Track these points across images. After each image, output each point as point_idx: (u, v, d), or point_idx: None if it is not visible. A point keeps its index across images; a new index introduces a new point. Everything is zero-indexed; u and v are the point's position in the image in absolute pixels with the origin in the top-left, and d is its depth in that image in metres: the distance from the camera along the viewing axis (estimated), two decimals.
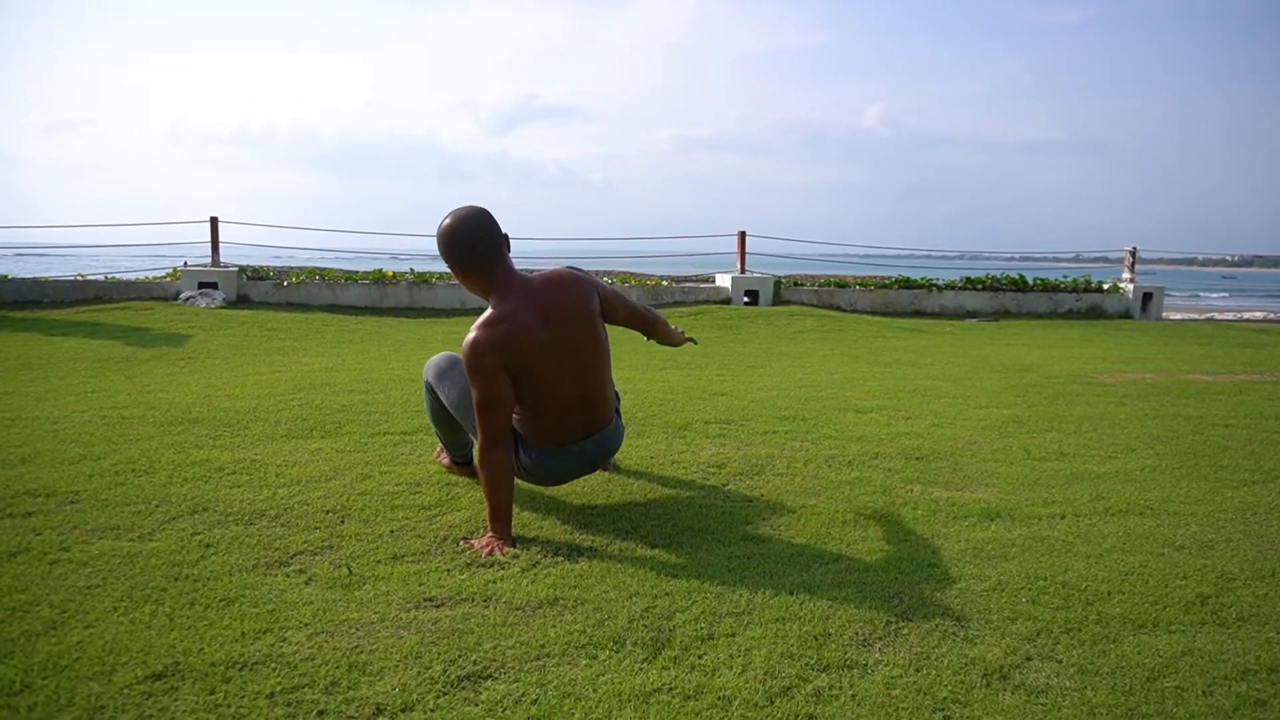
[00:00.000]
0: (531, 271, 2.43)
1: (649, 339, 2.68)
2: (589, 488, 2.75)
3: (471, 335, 2.21)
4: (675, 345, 2.75)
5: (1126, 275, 11.04)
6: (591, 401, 2.38)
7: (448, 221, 2.28)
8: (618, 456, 3.09)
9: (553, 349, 2.26)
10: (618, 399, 2.61)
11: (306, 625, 1.76)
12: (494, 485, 2.24)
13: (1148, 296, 10.70)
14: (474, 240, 2.25)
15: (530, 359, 2.23)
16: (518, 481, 2.75)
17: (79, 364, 5.16)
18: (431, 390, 2.60)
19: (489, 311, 2.25)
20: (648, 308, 2.60)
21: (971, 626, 1.82)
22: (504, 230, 2.31)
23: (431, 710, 1.48)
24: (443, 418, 2.64)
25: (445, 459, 2.85)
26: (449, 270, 2.32)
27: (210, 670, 1.58)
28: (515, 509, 2.49)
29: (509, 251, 2.31)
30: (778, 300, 9.71)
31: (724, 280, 9.80)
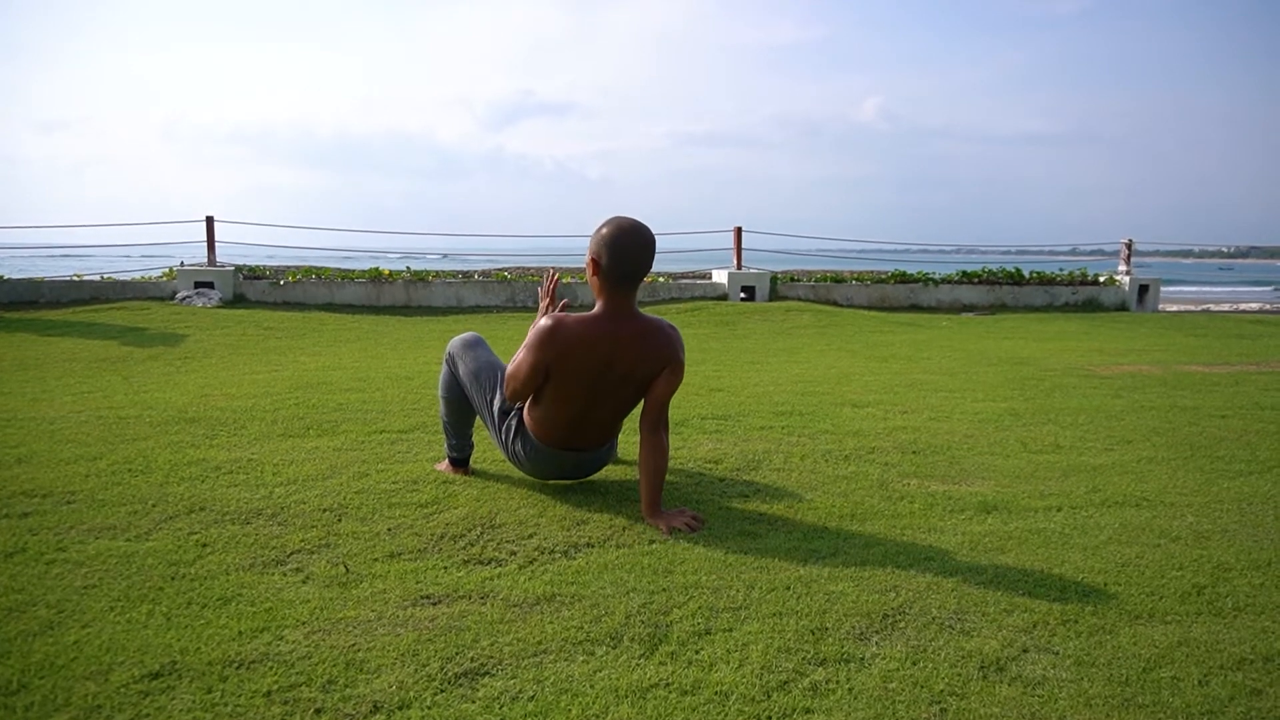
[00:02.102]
0: (646, 310, 2.54)
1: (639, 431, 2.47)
2: (585, 484, 2.75)
3: (555, 321, 2.35)
4: (643, 490, 2.43)
5: (1123, 267, 11.06)
6: (590, 428, 2.53)
7: (616, 229, 2.34)
8: (618, 451, 3.10)
9: (593, 379, 2.40)
10: (613, 445, 2.74)
11: (304, 623, 1.76)
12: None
13: (1144, 288, 10.71)
14: (622, 257, 2.33)
15: (574, 371, 2.37)
16: (519, 481, 2.76)
17: (75, 364, 5.15)
18: (452, 361, 2.75)
19: (587, 314, 2.39)
20: (666, 418, 2.45)
21: (968, 619, 1.82)
22: (650, 262, 2.39)
23: (429, 707, 1.48)
24: (454, 394, 2.75)
25: (442, 466, 2.86)
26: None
27: (207, 669, 1.58)
28: (514, 508, 2.50)
29: (642, 279, 2.41)
30: (774, 296, 9.71)
31: (720, 276, 9.81)
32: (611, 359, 2.37)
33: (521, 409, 2.60)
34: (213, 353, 5.82)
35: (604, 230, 2.35)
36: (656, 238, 2.42)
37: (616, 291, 2.37)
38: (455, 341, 2.78)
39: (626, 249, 2.33)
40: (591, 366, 2.36)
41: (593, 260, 2.37)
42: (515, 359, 2.41)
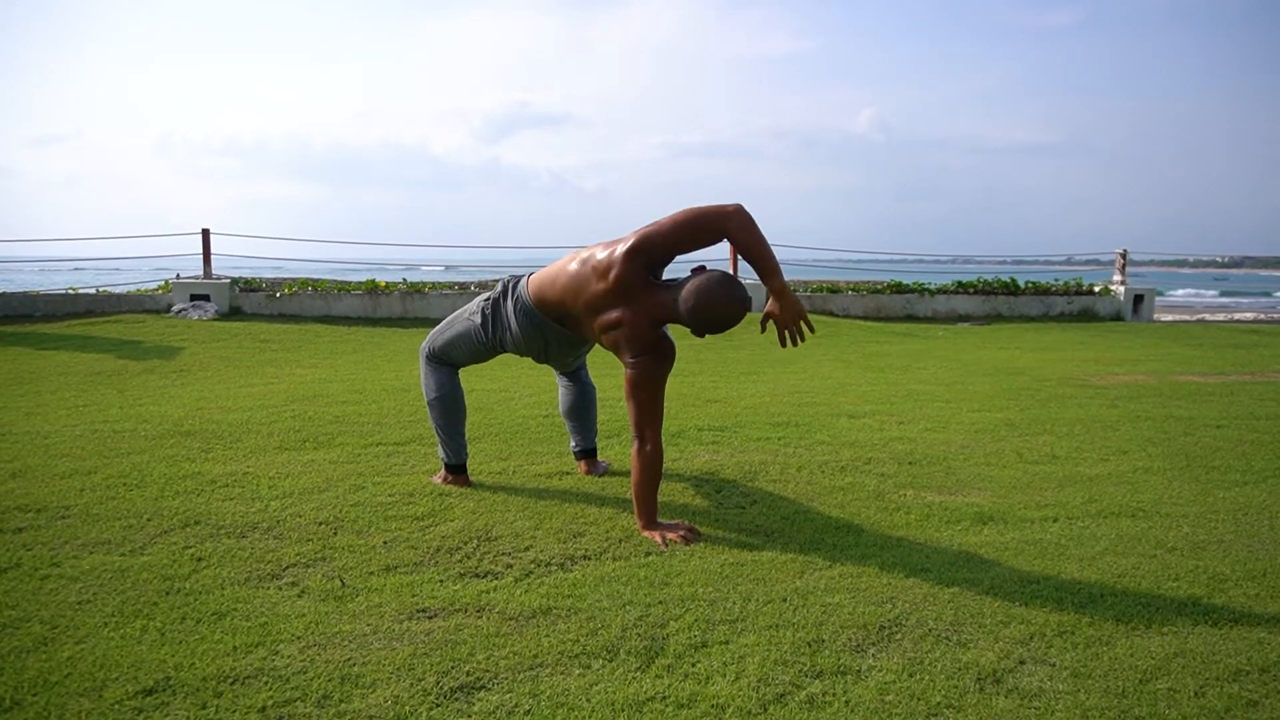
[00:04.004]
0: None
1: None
2: (581, 496, 2.75)
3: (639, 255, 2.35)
4: (636, 504, 2.43)
5: (1117, 277, 11.09)
6: (574, 319, 2.52)
7: (713, 310, 2.24)
8: (612, 464, 3.10)
9: (591, 287, 2.39)
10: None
11: (299, 638, 1.75)
12: None
13: (1139, 298, 10.74)
14: (701, 324, 2.27)
15: (601, 284, 2.37)
16: (516, 493, 2.73)
17: (70, 378, 5.14)
18: (428, 351, 2.82)
19: (663, 287, 2.35)
20: (642, 432, 2.38)
21: (965, 630, 1.82)
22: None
23: None
24: (444, 390, 2.79)
25: (438, 478, 2.86)
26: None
27: (201, 685, 1.57)
28: (510, 520, 2.50)
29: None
30: None
31: None
32: (608, 299, 2.36)
33: (509, 286, 2.66)
34: (208, 366, 5.81)
35: (706, 300, 2.24)
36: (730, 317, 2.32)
37: (667, 322, 2.37)
38: (421, 345, 2.87)
39: (711, 321, 2.26)
40: (597, 291, 2.37)
41: (684, 306, 2.27)
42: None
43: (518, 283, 2.67)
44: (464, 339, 2.75)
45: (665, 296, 2.33)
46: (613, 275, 2.34)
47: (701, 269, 2.32)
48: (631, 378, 2.37)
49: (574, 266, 2.46)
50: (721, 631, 1.81)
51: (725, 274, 2.29)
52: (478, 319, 2.71)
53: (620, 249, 2.34)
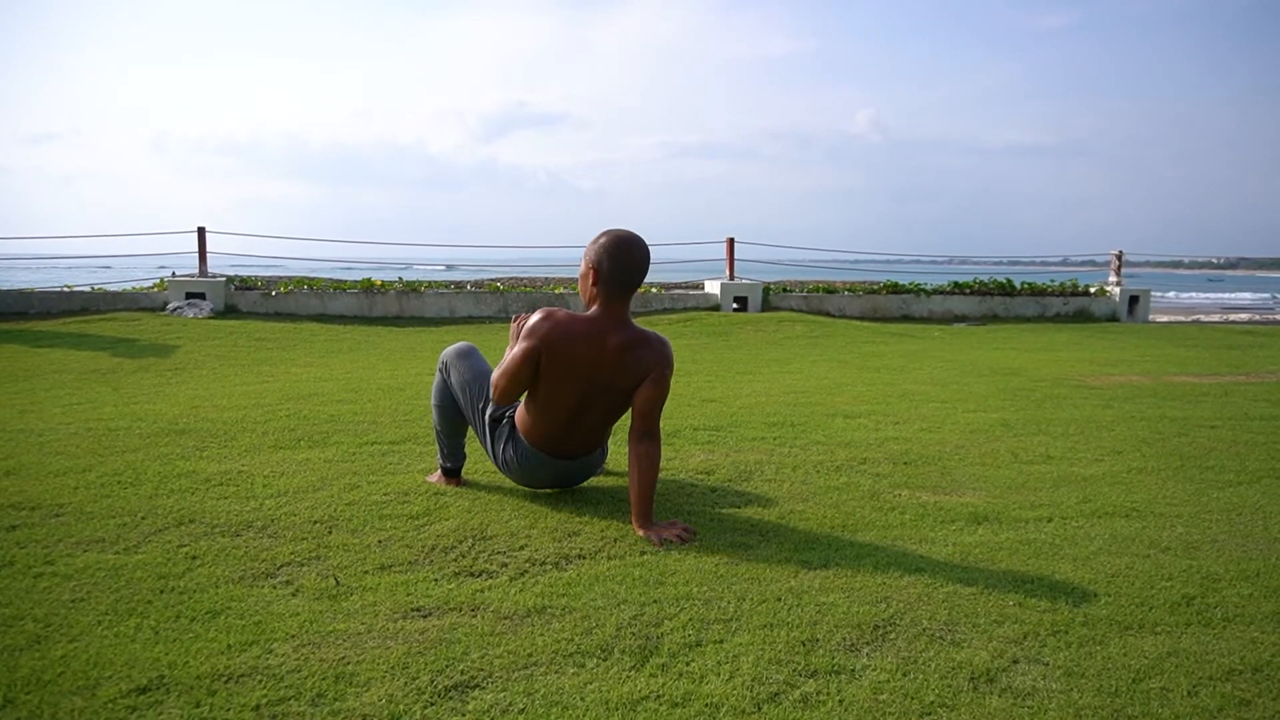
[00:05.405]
0: (639, 321, 2.56)
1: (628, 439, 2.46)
2: (577, 495, 2.75)
3: (544, 312, 2.45)
4: (633, 502, 2.43)
5: (1113, 278, 11.12)
6: (579, 433, 2.56)
7: (617, 239, 2.42)
8: (607, 463, 3.10)
9: (580, 380, 2.44)
10: (604, 452, 2.78)
11: (293, 637, 1.75)
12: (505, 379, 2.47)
13: (1134, 299, 10.77)
14: (623, 265, 2.41)
15: (562, 366, 2.42)
16: (511, 492, 2.76)
17: (65, 375, 5.13)
18: (445, 369, 2.77)
19: (578, 313, 2.46)
20: (653, 429, 2.44)
21: (959, 630, 1.82)
22: (646, 272, 2.47)
23: None
24: (446, 403, 2.77)
25: (434, 477, 2.85)
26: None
27: (196, 683, 1.57)
28: (505, 519, 2.49)
29: (637, 288, 2.48)
30: (766, 306, 9.73)
31: (713, 287, 9.83)
32: (597, 361, 2.42)
33: (513, 416, 2.63)
34: (203, 364, 5.80)
35: (603, 240, 2.44)
36: (650, 249, 2.50)
37: (612, 299, 2.43)
38: (449, 351, 2.80)
39: (628, 257, 2.41)
40: (579, 364, 2.42)
41: (592, 269, 2.43)
42: (504, 358, 2.48)
43: (514, 429, 2.61)
44: (468, 412, 2.72)
45: (597, 300, 2.44)
46: (557, 322, 2.42)
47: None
48: (659, 377, 2.43)
49: (549, 366, 2.44)
50: (716, 631, 1.81)
51: (613, 244, 2.41)
52: (485, 427, 2.66)
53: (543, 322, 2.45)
